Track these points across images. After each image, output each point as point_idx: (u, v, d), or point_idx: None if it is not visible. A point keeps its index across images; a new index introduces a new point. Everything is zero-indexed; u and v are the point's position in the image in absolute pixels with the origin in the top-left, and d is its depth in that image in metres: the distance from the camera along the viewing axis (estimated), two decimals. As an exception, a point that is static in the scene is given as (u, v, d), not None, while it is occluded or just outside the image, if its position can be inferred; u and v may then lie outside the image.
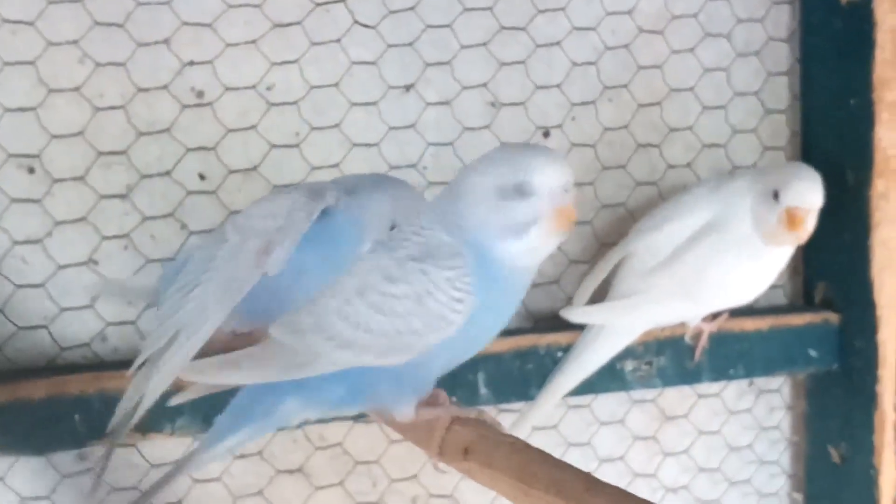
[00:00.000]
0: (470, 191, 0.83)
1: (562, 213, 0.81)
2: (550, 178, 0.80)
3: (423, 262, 0.82)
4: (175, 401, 0.97)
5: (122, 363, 1.12)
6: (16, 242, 1.13)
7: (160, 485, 0.93)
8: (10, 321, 1.13)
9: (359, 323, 0.84)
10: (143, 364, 0.94)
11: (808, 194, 1.16)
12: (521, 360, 1.23)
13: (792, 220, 1.15)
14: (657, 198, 1.33)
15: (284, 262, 0.92)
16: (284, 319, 0.88)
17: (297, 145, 1.21)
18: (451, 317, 0.82)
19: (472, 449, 0.86)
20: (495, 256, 0.82)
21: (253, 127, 1.20)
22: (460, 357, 0.88)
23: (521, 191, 0.81)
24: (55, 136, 1.13)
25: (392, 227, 0.90)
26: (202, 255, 0.96)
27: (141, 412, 0.93)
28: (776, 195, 1.16)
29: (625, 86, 1.32)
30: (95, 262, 1.15)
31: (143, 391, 0.93)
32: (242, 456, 1.21)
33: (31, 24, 1.12)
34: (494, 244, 0.82)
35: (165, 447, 1.18)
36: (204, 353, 0.90)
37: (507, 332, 1.23)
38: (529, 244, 0.81)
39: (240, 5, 1.18)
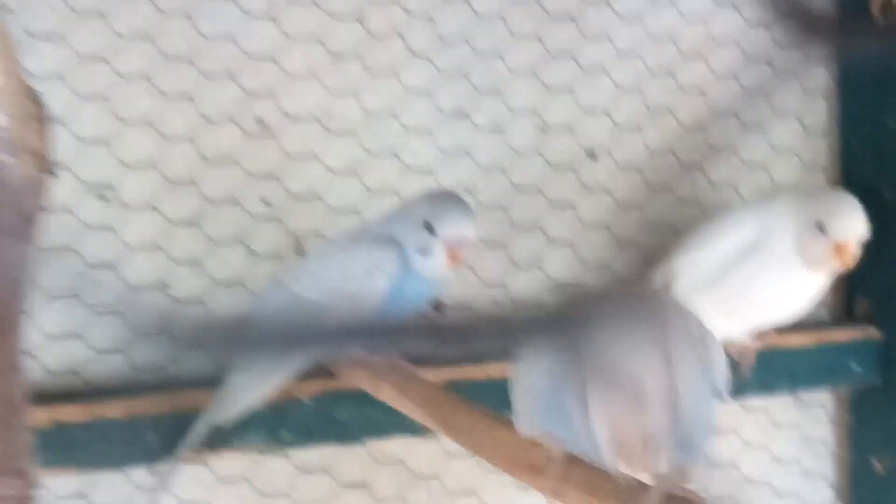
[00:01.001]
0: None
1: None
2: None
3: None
4: None
5: (192, 383, 1.18)
6: (91, 266, 1.18)
7: None
8: (89, 345, 1.18)
9: None
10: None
11: (855, 227, 1.20)
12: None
13: (841, 252, 1.19)
14: (702, 217, 1.37)
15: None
16: None
17: (355, 171, 1.26)
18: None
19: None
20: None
21: (313, 154, 1.25)
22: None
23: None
24: (127, 166, 1.18)
25: None
26: (284, 303, 1.06)
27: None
28: (822, 226, 1.20)
29: (669, 109, 1.37)
30: (167, 286, 1.20)
31: (227, 408, 1.02)
32: (307, 471, 1.25)
33: (103, 58, 1.17)
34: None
35: (232, 462, 1.23)
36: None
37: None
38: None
39: (299, 38, 1.23)
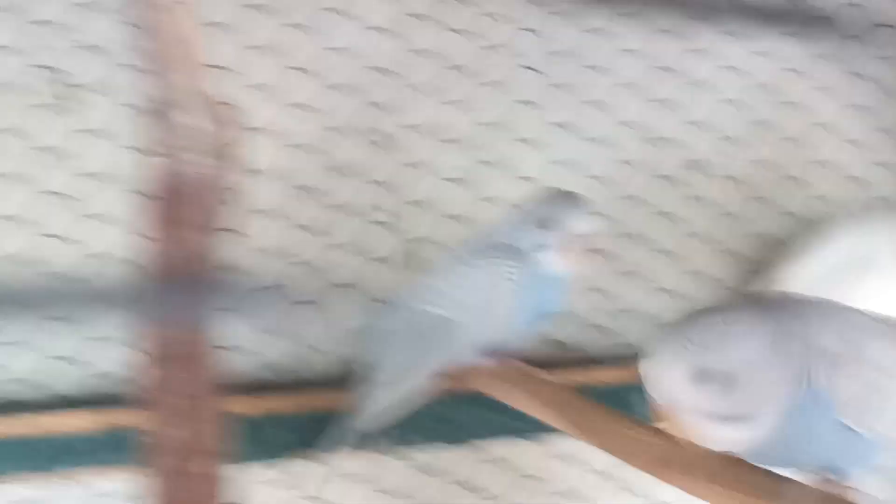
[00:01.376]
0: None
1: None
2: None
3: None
4: None
5: (320, 383, 1.23)
6: (221, 268, 1.23)
7: None
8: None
9: None
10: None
11: None
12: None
13: None
14: (805, 230, 1.40)
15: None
16: None
17: (467, 181, 1.30)
18: None
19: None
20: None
21: (428, 164, 1.29)
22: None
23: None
24: (257, 173, 1.23)
25: None
26: (411, 320, 1.10)
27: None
28: None
29: (773, 124, 1.40)
30: (287, 287, 1.25)
31: (369, 416, 1.10)
32: (423, 471, 1.30)
33: (235, 70, 1.22)
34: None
35: (354, 460, 1.27)
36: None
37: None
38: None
39: (420, 53, 1.27)
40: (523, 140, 1.32)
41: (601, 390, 1.28)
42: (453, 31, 1.29)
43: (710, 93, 1.38)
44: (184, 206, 0.69)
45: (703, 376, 0.76)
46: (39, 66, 1.17)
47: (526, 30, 1.31)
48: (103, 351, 1.21)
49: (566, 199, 1.08)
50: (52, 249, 1.19)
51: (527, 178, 1.32)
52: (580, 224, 1.06)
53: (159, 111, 0.68)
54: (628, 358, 1.33)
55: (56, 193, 1.18)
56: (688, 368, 0.77)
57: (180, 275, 0.70)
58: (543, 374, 1.13)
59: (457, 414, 1.26)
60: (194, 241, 0.70)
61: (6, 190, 1.17)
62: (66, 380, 1.21)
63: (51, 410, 1.18)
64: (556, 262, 1.07)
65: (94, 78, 1.18)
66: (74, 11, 1.18)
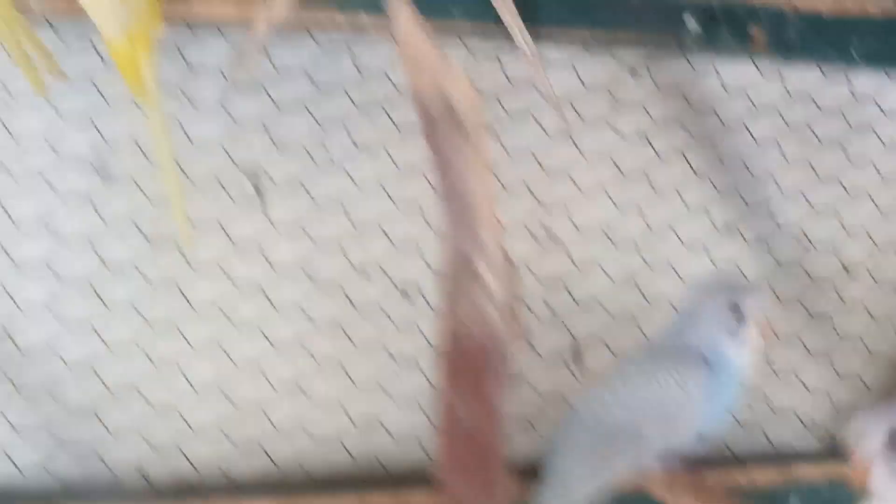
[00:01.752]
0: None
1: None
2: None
3: None
4: None
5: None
6: (394, 357, 1.28)
7: None
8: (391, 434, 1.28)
9: None
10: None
11: None
12: (832, 486, 1.33)
13: None
14: (956, 339, 1.43)
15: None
16: None
17: (634, 282, 1.34)
18: None
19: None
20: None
21: (595, 262, 1.33)
22: None
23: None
24: (428, 268, 1.28)
25: None
26: (598, 425, 1.13)
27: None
28: None
29: (927, 232, 1.44)
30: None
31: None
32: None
33: (418, 170, 1.27)
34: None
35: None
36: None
37: (819, 458, 1.35)
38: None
39: (591, 156, 1.32)
40: (689, 243, 1.36)
41: (755, 493, 1.31)
42: (626, 137, 1.34)
43: (865, 200, 1.42)
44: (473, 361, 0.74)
45: None
46: (240, 162, 1.23)
47: (692, 136, 1.35)
48: (276, 440, 1.26)
49: (747, 283, 1.12)
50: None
51: (692, 281, 1.36)
52: (765, 306, 1.11)
53: (454, 267, 0.72)
54: (779, 459, 1.38)
55: (249, 284, 1.24)
56: (887, 429, 0.87)
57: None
58: (714, 482, 1.16)
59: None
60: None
61: (206, 282, 1.22)
62: (241, 466, 1.25)
63: (228, 495, 1.22)
64: (747, 346, 1.10)
65: (289, 175, 1.23)
66: (272, 110, 1.23)
